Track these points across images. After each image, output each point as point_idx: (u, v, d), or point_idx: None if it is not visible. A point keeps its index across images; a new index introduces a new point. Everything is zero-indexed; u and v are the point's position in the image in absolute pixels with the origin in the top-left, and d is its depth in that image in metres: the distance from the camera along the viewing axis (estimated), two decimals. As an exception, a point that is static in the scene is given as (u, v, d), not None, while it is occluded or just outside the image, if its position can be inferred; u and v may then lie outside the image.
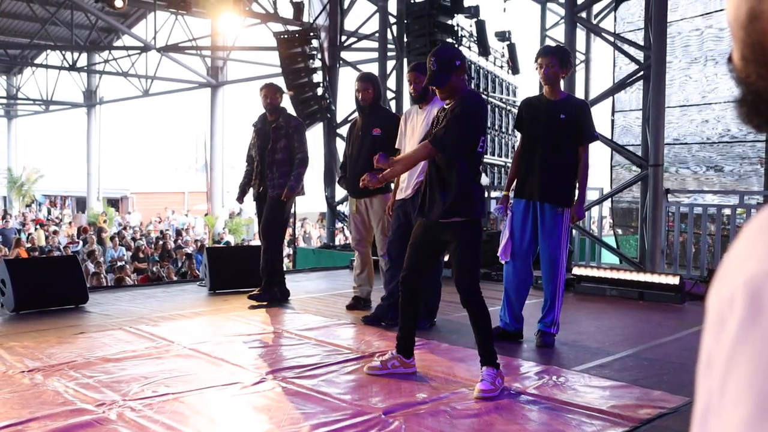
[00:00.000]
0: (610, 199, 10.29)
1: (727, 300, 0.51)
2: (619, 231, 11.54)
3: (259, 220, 6.61)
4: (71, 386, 3.70)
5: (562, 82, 5.02)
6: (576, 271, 7.39)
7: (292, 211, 7.11)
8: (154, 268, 12.50)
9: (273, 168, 6.30)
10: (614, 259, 9.84)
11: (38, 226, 21.07)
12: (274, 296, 6.39)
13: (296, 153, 6.32)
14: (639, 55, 8.77)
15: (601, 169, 13.09)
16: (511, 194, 5.05)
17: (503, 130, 12.69)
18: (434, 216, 3.90)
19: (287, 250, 14.48)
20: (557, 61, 4.78)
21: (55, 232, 18.97)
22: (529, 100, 5.15)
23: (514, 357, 4.58)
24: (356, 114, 6.29)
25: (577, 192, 4.95)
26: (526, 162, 4.92)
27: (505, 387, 3.83)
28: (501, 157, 12.46)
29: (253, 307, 6.15)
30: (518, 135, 5.56)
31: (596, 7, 12.49)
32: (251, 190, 6.58)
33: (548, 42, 14.14)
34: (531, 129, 4.93)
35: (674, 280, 6.70)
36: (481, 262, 4.00)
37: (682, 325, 5.64)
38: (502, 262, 5.08)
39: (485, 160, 11.65)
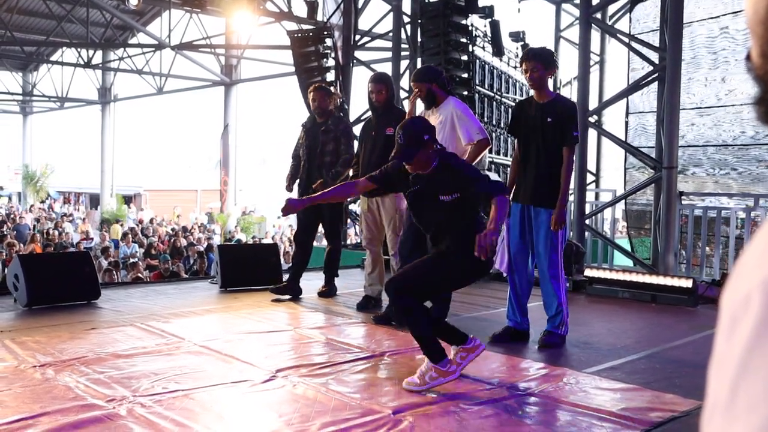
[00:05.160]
0: (623, 201, 10.24)
1: (742, 300, 0.50)
2: (632, 233, 11.47)
3: (300, 218, 6.67)
4: (82, 381, 3.71)
5: (550, 83, 5.02)
6: (588, 272, 7.36)
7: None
8: (166, 266, 12.53)
9: (322, 170, 6.39)
10: (627, 262, 9.79)
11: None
12: (299, 291, 6.63)
13: (342, 153, 6.42)
14: (654, 56, 8.72)
15: (614, 171, 13.06)
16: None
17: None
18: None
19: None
20: (541, 64, 4.77)
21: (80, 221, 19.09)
22: (520, 104, 5.21)
23: (524, 358, 4.57)
24: (369, 113, 6.29)
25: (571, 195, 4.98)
26: (520, 166, 4.99)
27: (514, 386, 3.82)
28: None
29: (276, 301, 6.43)
30: None
31: (611, 8, 12.44)
32: (296, 188, 6.65)
33: (563, 43, 14.12)
34: (521, 132, 4.98)
35: (687, 283, 6.65)
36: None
37: (695, 329, 5.60)
38: (501, 272, 5.12)
39: (498, 161, 11.62)
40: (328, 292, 6.74)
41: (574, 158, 5.02)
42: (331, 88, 6.76)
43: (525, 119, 4.93)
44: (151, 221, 22.77)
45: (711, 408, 0.51)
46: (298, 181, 6.63)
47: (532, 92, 4.99)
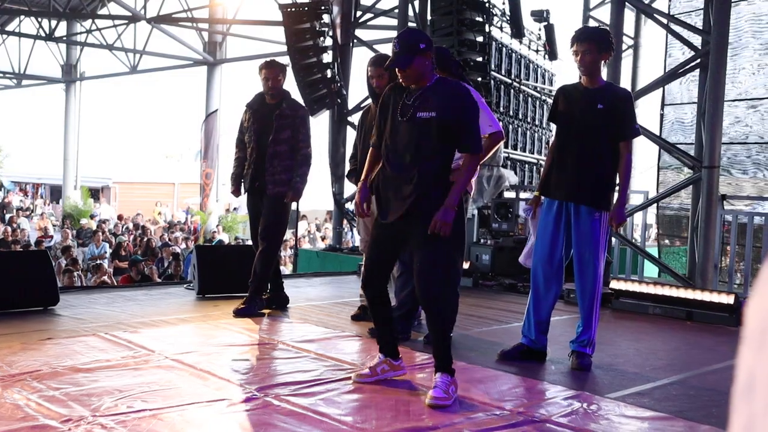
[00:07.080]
0: (655, 205, 10.21)
1: None
2: (666, 242, 11.45)
3: (252, 215, 6.55)
4: (34, 399, 3.69)
5: (603, 69, 4.98)
6: (614, 285, 7.34)
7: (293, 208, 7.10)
8: (138, 267, 12.52)
9: (274, 161, 6.21)
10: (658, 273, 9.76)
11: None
12: (261, 306, 6.31)
13: (300, 148, 6.25)
14: (696, 40, 8.70)
15: (646, 170, 13.04)
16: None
17: (537, 123, 12.62)
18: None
19: (288, 252, 14.53)
20: (595, 46, 4.74)
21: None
22: (565, 88, 5.12)
23: (540, 380, 4.55)
24: (370, 101, 6.26)
25: (617, 193, 4.90)
26: (559, 158, 4.89)
27: (528, 412, 3.80)
28: (534, 153, 12.40)
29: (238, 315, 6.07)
30: (554, 128, 5.54)
31: (648, -15, 12.40)
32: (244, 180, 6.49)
33: (591, 23, 14.10)
34: (565, 120, 4.92)
35: (728, 299, 6.63)
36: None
37: (737, 351, 5.56)
38: (525, 266, 5.07)
39: (515, 156, 11.59)
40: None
41: None
42: (284, 63, 6.52)
43: (570, 105, 4.88)
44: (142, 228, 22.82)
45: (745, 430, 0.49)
46: (245, 173, 6.39)
47: (578, 78, 4.95)
